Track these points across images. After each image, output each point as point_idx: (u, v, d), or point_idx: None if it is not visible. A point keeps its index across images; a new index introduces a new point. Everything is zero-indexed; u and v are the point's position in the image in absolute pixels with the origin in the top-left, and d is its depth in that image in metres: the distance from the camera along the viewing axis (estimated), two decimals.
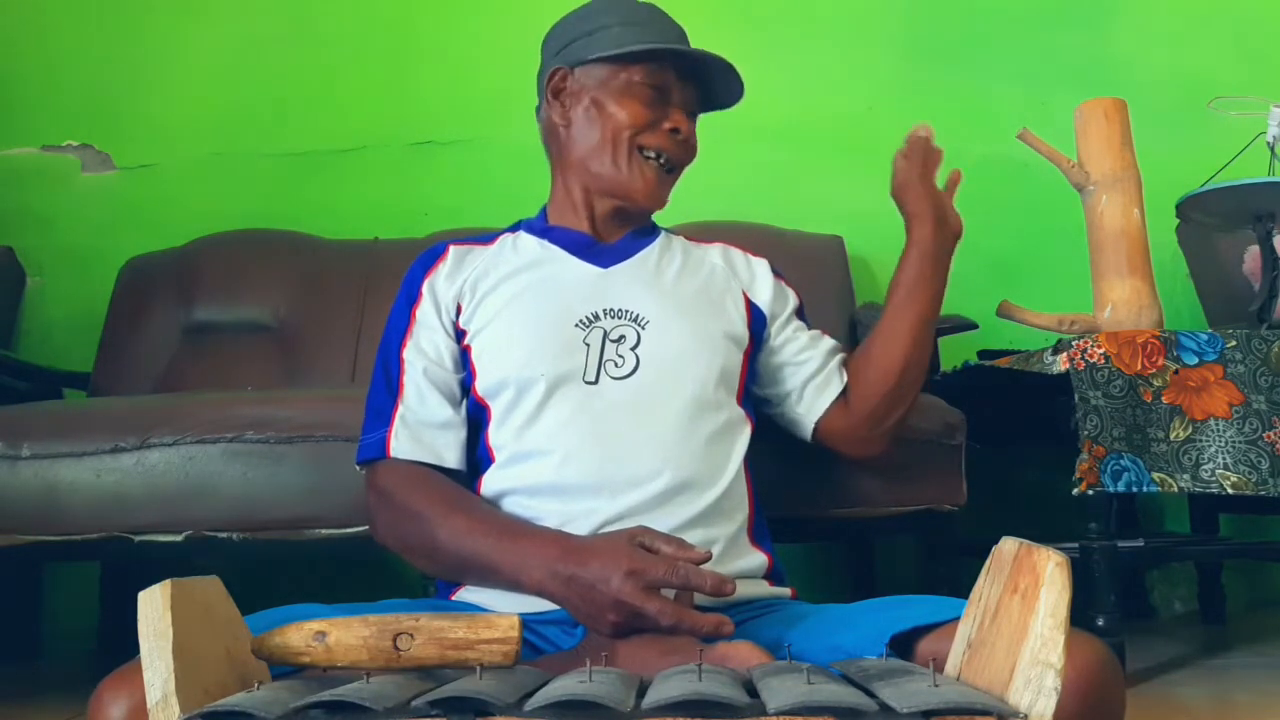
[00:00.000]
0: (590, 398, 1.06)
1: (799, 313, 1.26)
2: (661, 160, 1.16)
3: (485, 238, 1.22)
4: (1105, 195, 1.21)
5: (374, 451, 1.08)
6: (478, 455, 1.11)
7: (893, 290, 1.18)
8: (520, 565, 0.95)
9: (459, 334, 1.14)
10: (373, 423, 1.11)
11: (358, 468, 1.12)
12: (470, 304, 1.14)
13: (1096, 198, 1.22)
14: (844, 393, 1.21)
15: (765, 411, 1.24)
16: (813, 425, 1.21)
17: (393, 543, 1.07)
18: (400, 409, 1.09)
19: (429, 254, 1.20)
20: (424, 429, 1.09)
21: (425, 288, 1.16)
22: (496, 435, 1.08)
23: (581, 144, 1.17)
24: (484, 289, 1.14)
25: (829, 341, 1.25)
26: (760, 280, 1.24)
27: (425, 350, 1.13)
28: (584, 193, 1.19)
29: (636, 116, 1.14)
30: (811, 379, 1.21)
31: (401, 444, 1.07)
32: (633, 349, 1.09)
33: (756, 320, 1.21)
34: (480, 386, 1.10)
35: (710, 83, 1.19)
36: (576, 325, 1.10)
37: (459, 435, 1.10)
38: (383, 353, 1.15)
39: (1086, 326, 1.21)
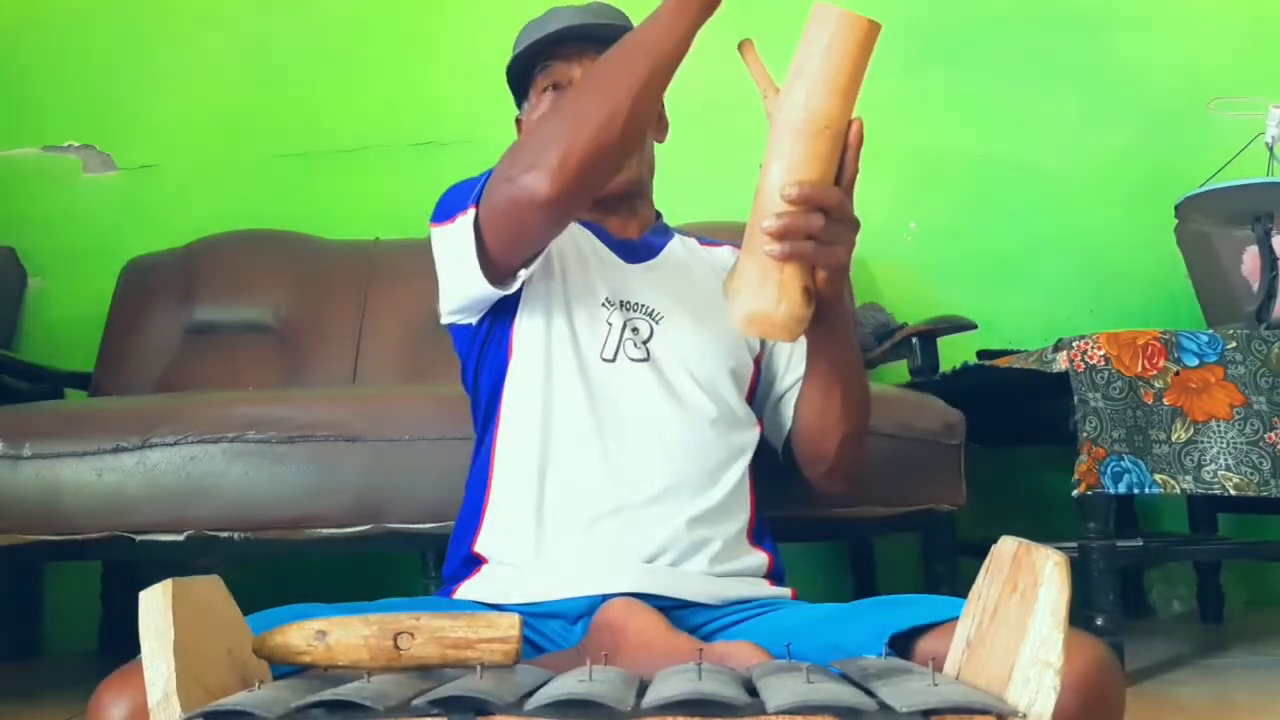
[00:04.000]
0: (607, 377, 1.07)
1: None
2: None
3: None
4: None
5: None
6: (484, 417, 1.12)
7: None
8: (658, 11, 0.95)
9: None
10: (477, 180, 1.04)
11: (471, 210, 1.02)
12: None
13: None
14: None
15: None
16: (780, 448, 1.17)
17: (554, 149, 0.95)
18: None
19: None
20: None
21: None
22: (510, 396, 1.09)
23: None
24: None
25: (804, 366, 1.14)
26: None
27: None
28: None
29: None
30: (777, 406, 1.18)
31: None
32: (644, 342, 1.10)
33: None
34: (516, 330, 1.10)
35: (607, 38, 1.13)
36: (602, 304, 1.11)
37: None
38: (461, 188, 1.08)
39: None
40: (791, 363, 1.17)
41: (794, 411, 1.14)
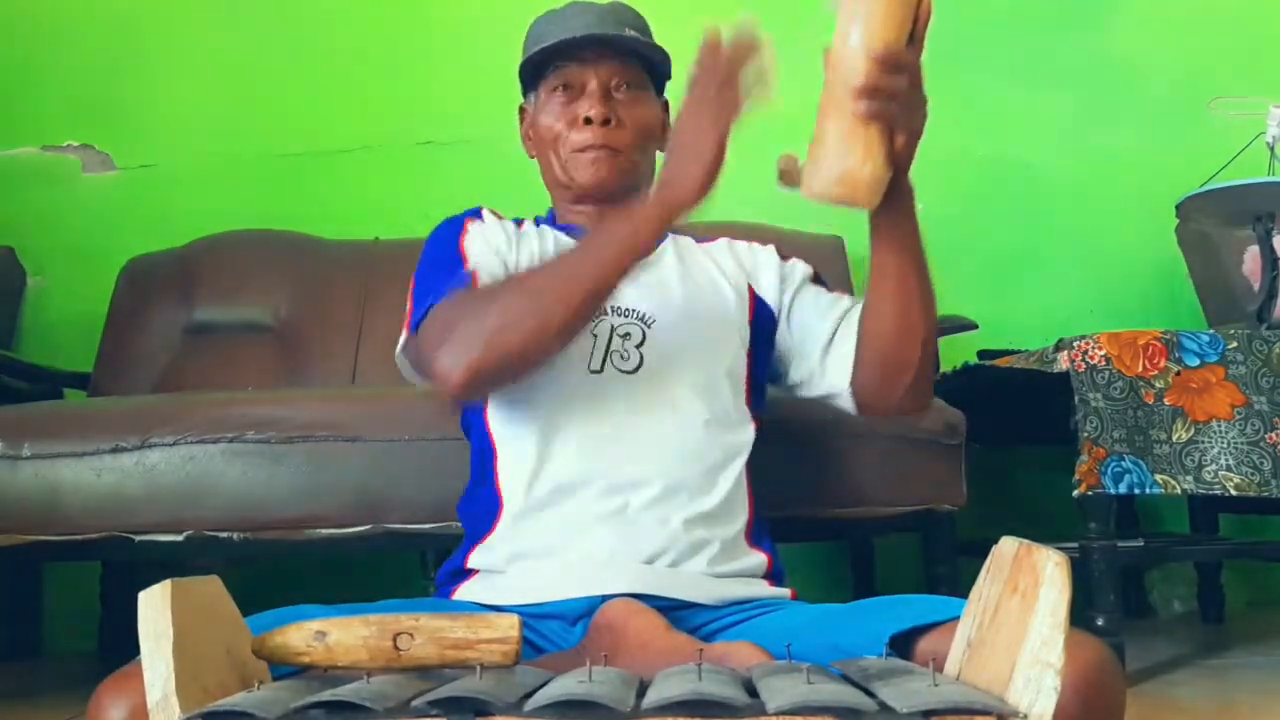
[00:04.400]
0: (595, 389, 1.06)
1: (815, 279, 1.20)
2: (594, 149, 1.14)
3: (514, 220, 1.22)
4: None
5: (452, 286, 1.04)
6: (476, 443, 1.12)
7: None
8: (618, 224, 0.98)
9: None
10: (436, 286, 1.05)
11: (410, 335, 1.07)
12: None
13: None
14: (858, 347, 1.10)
15: (806, 397, 1.17)
16: (849, 395, 1.11)
17: (478, 342, 0.97)
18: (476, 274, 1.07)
19: (466, 213, 1.19)
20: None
21: (473, 225, 1.16)
22: (494, 420, 1.09)
23: (542, 165, 1.20)
24: (511, 264, 1.14)
25: (845, 302, 1.15)
26: (764, 269, 1.20)
27: (490, 241, 1.13)
28: (566, 206, 1.20)
29: (553, 125, 1.15)
30: (827, 348, 1.13)
31: (485, 279, 1.06)
32: (637, 347, 1.09)
33: (760, 314, 1.18)
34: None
35: (633, 49, 1.15)
36: None
37: None
38: (430, 259, 1.12)
39: (790, 182, 0.97)
40: (823, 303, 1.16)
41: (858, 337, 1.09)
